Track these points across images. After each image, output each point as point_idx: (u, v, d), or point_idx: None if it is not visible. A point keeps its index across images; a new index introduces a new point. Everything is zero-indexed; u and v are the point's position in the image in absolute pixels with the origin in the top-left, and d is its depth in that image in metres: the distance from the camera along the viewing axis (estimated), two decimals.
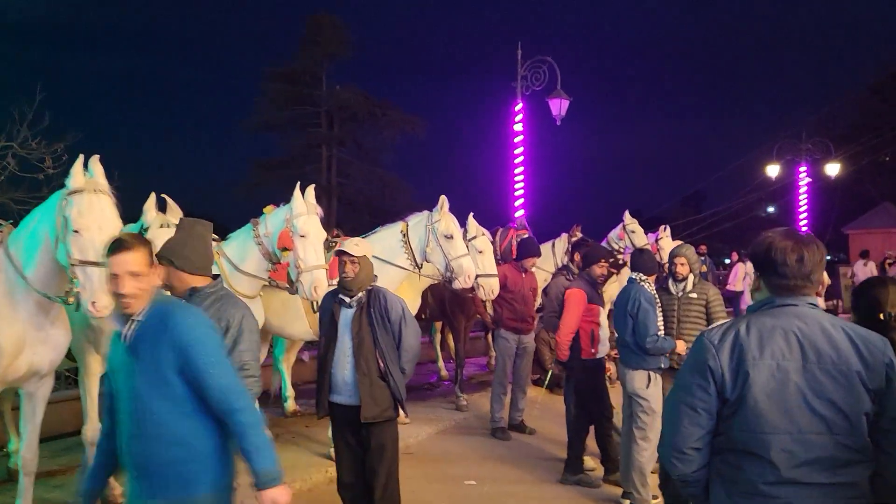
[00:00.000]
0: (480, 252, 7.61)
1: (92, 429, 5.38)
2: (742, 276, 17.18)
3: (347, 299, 4.68)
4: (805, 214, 22.89)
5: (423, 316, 9.22)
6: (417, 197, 30.57)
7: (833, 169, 23.18)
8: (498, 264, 8.30)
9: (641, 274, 6.04)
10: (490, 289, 7.53)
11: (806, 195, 22.77)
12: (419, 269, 6.78)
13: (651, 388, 5.78)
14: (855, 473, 2.36)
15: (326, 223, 7.41)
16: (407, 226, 6.81)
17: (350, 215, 29.28)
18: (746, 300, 18.75)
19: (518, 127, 14.51)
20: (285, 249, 5.62)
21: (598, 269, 6.51)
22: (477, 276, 7.57)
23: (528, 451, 7.52)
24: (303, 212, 5.65)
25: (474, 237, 7.69)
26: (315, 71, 29.86)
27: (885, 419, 2.36)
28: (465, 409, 8.84)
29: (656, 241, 12.06)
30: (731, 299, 17.68)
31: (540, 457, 7.30)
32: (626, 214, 11.65)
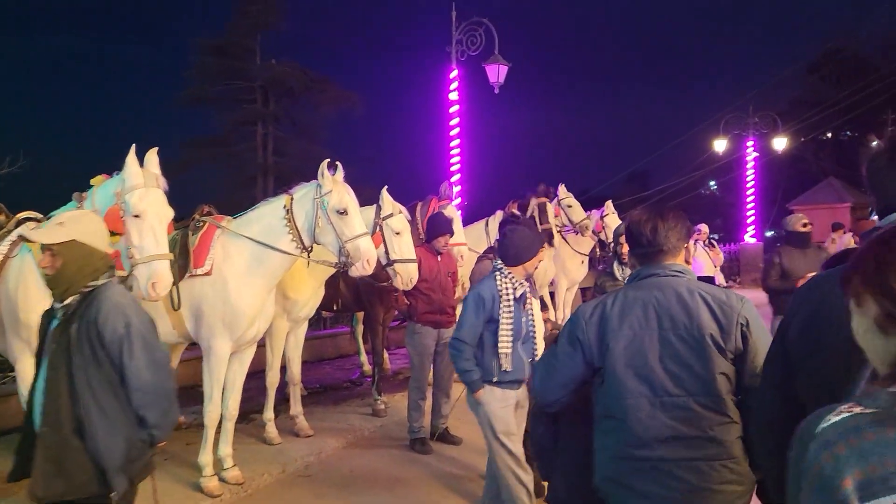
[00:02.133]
0: (397, 233, 6.30)
1: None
2: (692, 253, 16.09)
3: (56, 306, 3.13)
4: (752, 190, 22.11)
5: (336, 307, 7.86)
6: (357, 177, 29.10)
7: (780, 143, 22.42)
8: (422, 245, 6.98)
9: (501, 262, 4.55)
10: (409, 277, 6.22)
11: (753, 170, 22.00)
12: (308, 252, 5.39)
13: (488, 399, 4.47)
14: (721, 433, 2.42)
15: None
16: (291, 199, 5.40)
17: None
18: None
19: (454, 96, 13.17)
20: (114, 234, 4.18)
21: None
22: (393, 262, 6.26)
23: (452, 467, 6.23)
24: (138, 184, 4.20)
25: (389, 215, 6.36)
26: (247, 43, 27.91)
27: (745, 377, 2.43)
28: (383, 414, 7.51)
29: (601, 218, 10.90)
30: None
31: (465, 475, 5.99)
32: (561, 188, 10.45)
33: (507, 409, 4.50)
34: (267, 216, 5.39)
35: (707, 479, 2.42)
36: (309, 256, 5.40)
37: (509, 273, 4.49)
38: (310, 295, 6.45)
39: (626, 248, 5.16)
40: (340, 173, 5.43)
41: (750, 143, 22.00)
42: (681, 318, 2.49)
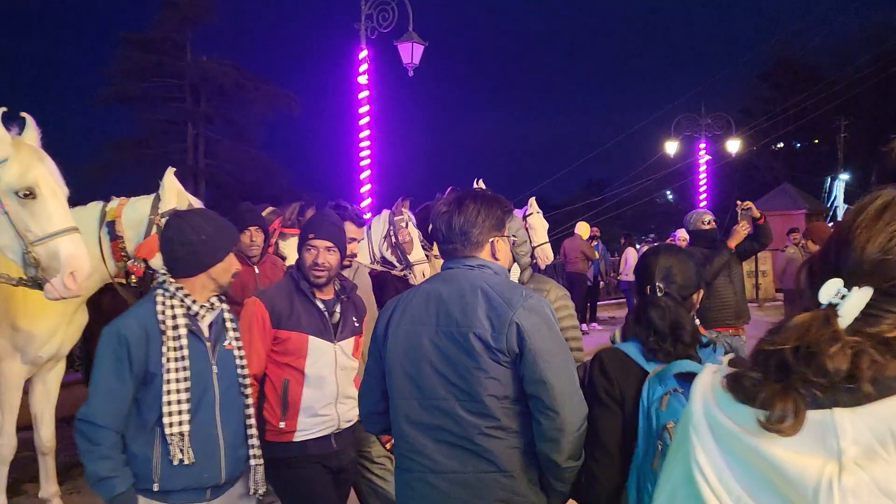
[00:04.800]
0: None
1: None
2: (634, 262, 14.17)
3: None
4: (705, 195, 20.34)
5: None
6: (295, 180, 26.94)
7: (734, 146, 20.72)
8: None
9: (167, 271, 2.63)
10: None
11: (706, 174, 20.25)
12: None
13: None
14: (488, 443, 2.11)
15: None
16: None
17: (221, 201, 25.18)
18: None
19: (363, 79, 11.07)
20: None
21: (307, 255, 3.11)
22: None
23: None
24: None
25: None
26: (176, 38, 25.54)
27: (525, 383, 2.11)
28: None
29: (524, 218, 8.80)
30: (627, 291, 14.69)
31: None
32: (478, 184, 8.34)
33: None
34: None
35: (478, 494, 2.11)
36: None
37: (180, 289, 2.57)
38: (55, 324, 4.23)
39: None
40: (32, 132, 3.27)
41: (702, 146, 20.27)
42: (455, 315, 2.16)
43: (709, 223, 6.03)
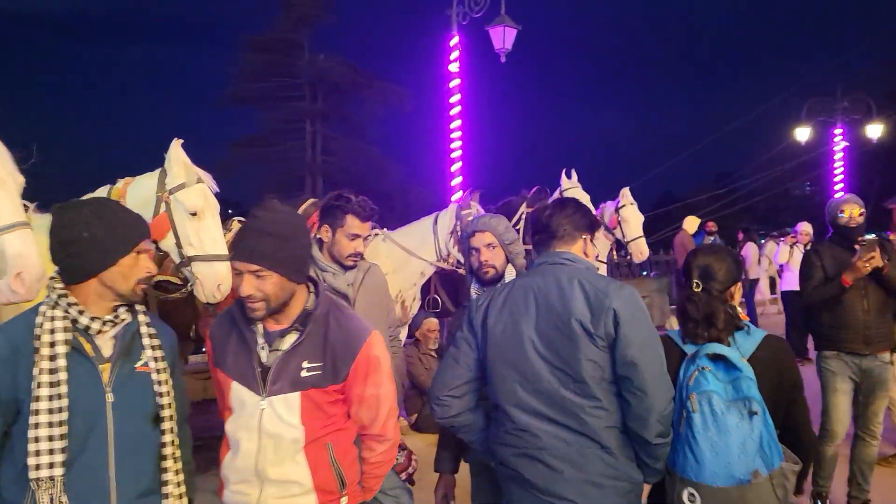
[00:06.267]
0: (193, 215, 3.75)
1: None
2: (756, 258, 12.80)
3: None
4: (841, 185, 18.37)
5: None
6: (408, 176, 26.87)
7: (875, 130, 18.59)
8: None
9: (60, 275, 2.15)
10: (215, 282, 3.67)
11: (842, 162, 18.29)
12: None
13: None
14: (590, 420, 2.28)
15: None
16: None
17: None
18: (763, 290, 14.42)
19: (454, 68, 10.58)
20: None
21: None
22: (190, 260, 3.74)
23: None
24: None
25: (179, 186, 3.79)
26: (295, 38, 26.13)
27: (618, 365, 2.29)
28: None
29: (616, 210, 8.00)
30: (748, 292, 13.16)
31: None
32: (567, 176, 7.61)
33: None
34: None
35: (582, 468, 2.28)
36: None
37: (63, 297, 2.05)
38: None
39: (484, 254, 3.11)
40: None
41: (838, 132, 18.34)
42: (555, 304, 2.35)
43: (849, 217, 4.65)
